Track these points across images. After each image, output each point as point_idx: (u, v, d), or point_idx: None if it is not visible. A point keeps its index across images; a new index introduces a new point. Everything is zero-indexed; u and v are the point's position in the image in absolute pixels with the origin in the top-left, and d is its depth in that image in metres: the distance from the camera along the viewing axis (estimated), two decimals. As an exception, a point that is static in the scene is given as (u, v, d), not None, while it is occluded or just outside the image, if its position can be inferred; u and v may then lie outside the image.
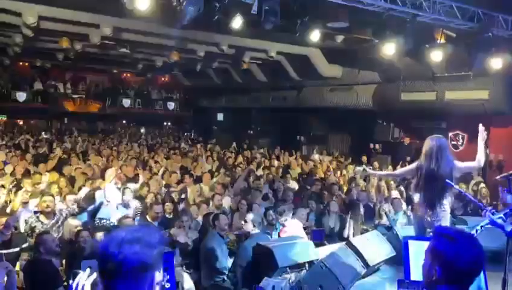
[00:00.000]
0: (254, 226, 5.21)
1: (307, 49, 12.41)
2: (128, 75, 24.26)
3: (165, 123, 25.50)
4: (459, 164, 4.44)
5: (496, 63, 8.01)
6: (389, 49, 7.59)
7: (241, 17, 5.96)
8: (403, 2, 6.54)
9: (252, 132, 19.75)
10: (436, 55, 8.10)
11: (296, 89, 15.76)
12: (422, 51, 8.89)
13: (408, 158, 12.34)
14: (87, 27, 10.53)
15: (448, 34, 8.12)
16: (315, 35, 7.44)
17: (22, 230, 5.52)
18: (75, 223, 5.69)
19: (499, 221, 3.10)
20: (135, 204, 6.96)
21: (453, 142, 12.30)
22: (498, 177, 4.54)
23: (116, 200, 6.45)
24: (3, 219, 4.96)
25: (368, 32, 8.75)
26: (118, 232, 1.51)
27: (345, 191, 9.21)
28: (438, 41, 7.81)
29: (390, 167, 12.30)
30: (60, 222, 5.58)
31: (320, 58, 13.08)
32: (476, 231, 3.58)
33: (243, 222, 5.38)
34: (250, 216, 5.34)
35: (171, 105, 24.10)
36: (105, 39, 11.32)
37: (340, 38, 10.84)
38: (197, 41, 11.96)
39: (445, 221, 4.26)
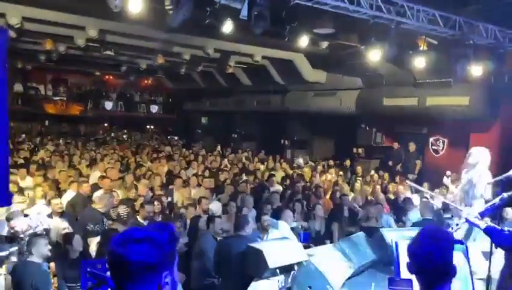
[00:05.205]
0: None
1: (291, 54, 12.56)
2: (111, 77, 23.97)
3: (147, 126, 25.31)
4: None
5: (476, 70, 8.27)
6: (375, 55, 7.77)
7: (231, 21, 6.04)
8: (388, 10, 6.72)
9: (236, 136, 19.78)
10: (419, 62, 8.32)
11: (280, 93, 15.90)
12: (404, 57, 9.13)
13: (399, 164, 12.60)
14: (72, 29, 10.43)
15: (430, 41, 8.36)
16: (304, 41, 7.58)
17: (5, 233, 5.43)
18: (62, 225, 5.65)
19: (475, 220, 3.23)
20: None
21: (433, 147, 12.60)
22: (492, 180, 4.79)
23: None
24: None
25: (353, 38, 8.93)
26: (126, 231, 1.48)
27: (328, 195, 9.36)
28: (421, 48, 8.03)
29: (373, 172, 12.51)
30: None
31: (304, 63, 13.25)
32: (451, 228, 3.74)
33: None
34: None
35: (154, 108, 23.95)
36: (90, 41, 11.24)
37: (324, 44, 11.03)
38: (183, 44, 11.97)
39: None
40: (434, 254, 1.80)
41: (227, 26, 6.24)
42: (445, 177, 6.01)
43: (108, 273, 2.47)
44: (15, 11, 8.83)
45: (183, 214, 6.78)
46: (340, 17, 7.08)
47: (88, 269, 2.13)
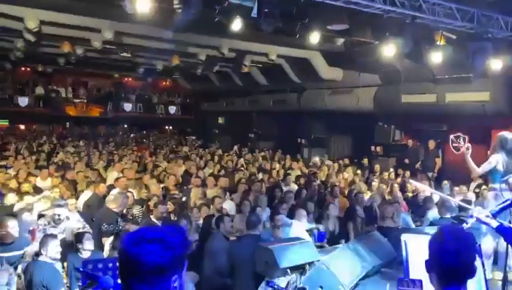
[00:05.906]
0: None
1: (307, 52, 12.45)
2: (130, 79, 24.34)
3: (166, 127, 25.56)
4: None
5: (495, 64, 8.02)
6: (389, 50, 7.61)
7: (240, 19, 6.00)
8: (402, 4, 6.56)
9: (253, 135, 19.76)
10: (436, 57, 8.11)
11: (297, 92, 15.79)
12: (422, 53, 8.91)
13: (418, 162, 12.31)
14: (88, 31, 10.59)
15: (448, 35, 8.14)
16: (315, 37, 7.47)
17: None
18: (77, 224, 5.72)
19: (486, 219, 3.07)
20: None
21: (454, 144, 12.29)
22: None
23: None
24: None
25: (368, 34, 8.77)
26: (138, 231, 1.44)
27: (345, 193, 9.22)
28: (438, 43, 7.82)
29: (391, 170, 12.29)
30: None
31: (320, 61, 13.11)
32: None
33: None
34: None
35: (172, 109, 24.19)
36: (107, 43, 11.39)
37: (340, 41, 10.89)
38: (198, 45, 12.01)
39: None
40: (462, 251, 1.76)
41: (236, 24, 6.20)
42: (464, 148, 5.43)
43: (109, 272, 2.47)
44: (32, 15, 9.01)
45: (187, 214, 6.76)
46: (354, 13, 6.96)
47: (80, 269, 2.12)
